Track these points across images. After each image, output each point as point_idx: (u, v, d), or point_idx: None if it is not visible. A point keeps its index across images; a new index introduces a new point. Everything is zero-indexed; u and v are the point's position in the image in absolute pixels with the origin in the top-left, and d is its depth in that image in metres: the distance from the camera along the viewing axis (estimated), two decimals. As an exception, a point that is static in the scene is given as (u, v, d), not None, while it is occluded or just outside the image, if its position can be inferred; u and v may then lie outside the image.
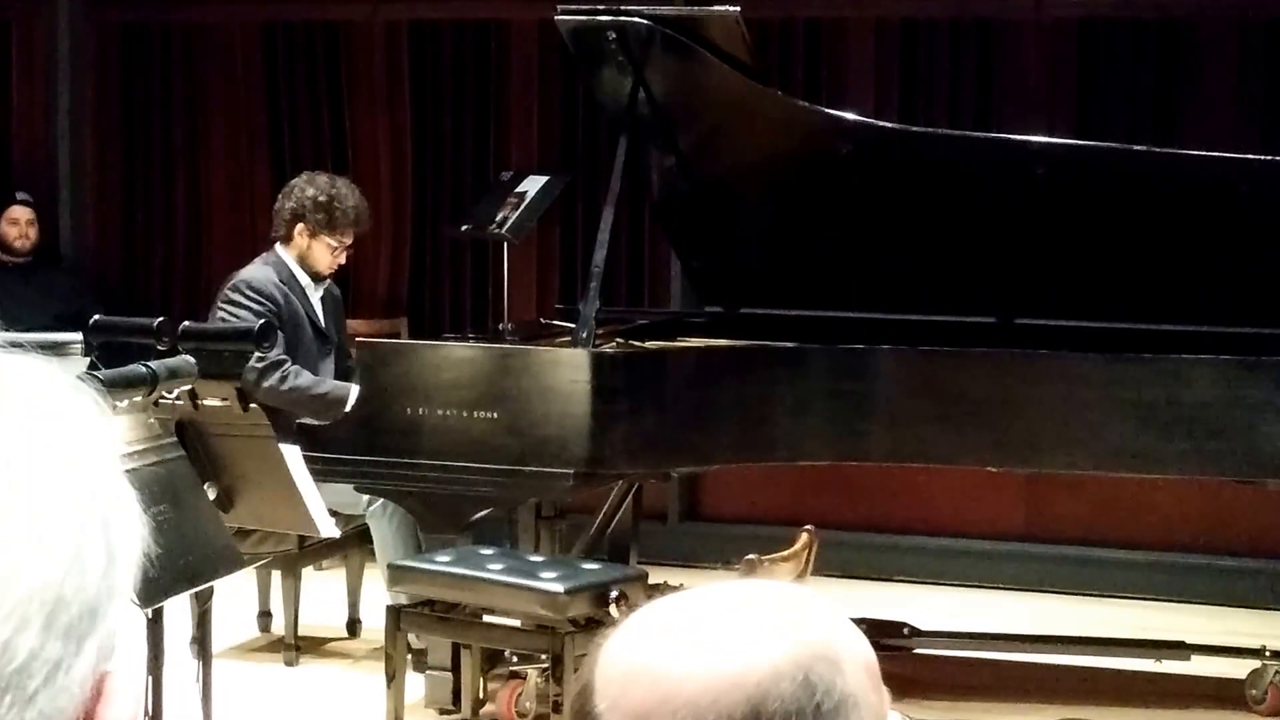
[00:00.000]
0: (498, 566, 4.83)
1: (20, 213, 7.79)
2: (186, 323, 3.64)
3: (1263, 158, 5.36)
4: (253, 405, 3.67)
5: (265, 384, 5.66)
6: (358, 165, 7.73)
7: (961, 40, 7.15)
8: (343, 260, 6.14)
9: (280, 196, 6.13)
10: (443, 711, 5.07)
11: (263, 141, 8.02)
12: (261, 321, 3.97)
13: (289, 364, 5.78)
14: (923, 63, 7.20)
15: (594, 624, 4.71)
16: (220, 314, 5.77)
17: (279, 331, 5.82)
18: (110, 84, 8.22)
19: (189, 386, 3.43)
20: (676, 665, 1.07)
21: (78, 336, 3.53)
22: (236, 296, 5.84)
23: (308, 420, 5.43)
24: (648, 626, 1.11)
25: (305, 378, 5.78)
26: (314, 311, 6.04)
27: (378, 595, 5.52)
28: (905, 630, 5.54)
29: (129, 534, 0.88)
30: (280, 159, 7.90)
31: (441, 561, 4.92)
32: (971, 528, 7.16)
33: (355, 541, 5.94)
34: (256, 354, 5.61)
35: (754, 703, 1.04)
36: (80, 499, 0.86)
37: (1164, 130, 6.82)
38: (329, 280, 6.12)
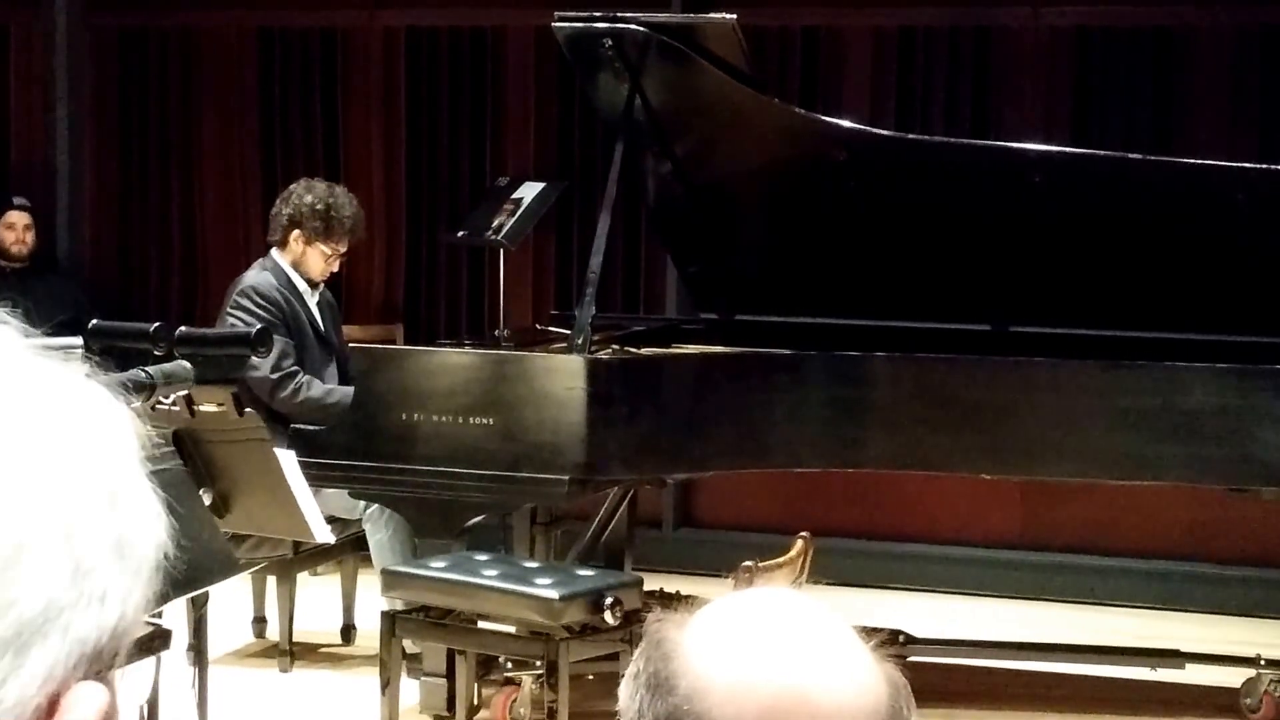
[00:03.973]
0: (493, 572, 4.83)
1: (17, 218, 7.79)
2: (183, 327, 3.64)
3: (1259, 166, 5.37)
4: (248, 410, 3.67)
5: (280, 395, 5.81)
6: (353, 171, 7.74)
7: (958, 48, 7.16)
8: (335, 268, 6.16)
9: (278, 201, 6.15)
10: (437, 718, 5.06)
11: (258, 147, 8.03)
12: (258, 326, 3.98)
13: (302, 375, 5.86)
14: (919, 70, 7.21)
15: (589, 630, 4.71)
16: (230, 320, 5.81)
17: (289, 339, 5.88)
18: (108, 89, 8.23)
19: (185, 392, 3.43)
20: (829, 696, 1.18)
21: (77, 341, 3.53)
22: (246, 303, 5.88)
23: (303, 426, 5.44)
24: (778, 649, 1.20)
25: (317, 388, 5.86)
26: (314, 317, 6.06)
27: (372, 601, 5.53)
28: (900, 637, 5.54)
29: (107, 543, 0.84)
30: (274, 164, 7.91)
31: (436, 567, 4.92)
32: (967, 535, 7.16)
33: (350, 547, 5.94)
34: (272, 366, 5.75)
35: None
36: (31, 506, 0.82)
37: (1161, 138, 6.83)
38: (322, 286, 6.15)
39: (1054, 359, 5.19)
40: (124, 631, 0.85)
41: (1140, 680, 5.61)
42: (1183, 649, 5.56)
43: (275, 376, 5.82)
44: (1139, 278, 5.42)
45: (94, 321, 3.75)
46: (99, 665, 0.83)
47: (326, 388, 5.86)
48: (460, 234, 7.14)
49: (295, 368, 5.88)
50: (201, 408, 3.54)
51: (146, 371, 3.26)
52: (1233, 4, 6.89)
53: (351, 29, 7.91)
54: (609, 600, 4.65)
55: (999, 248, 5.43)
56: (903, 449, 5.20)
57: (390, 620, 4.93)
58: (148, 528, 0.87)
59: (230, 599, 5.62)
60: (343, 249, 6.10)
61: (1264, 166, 5.34)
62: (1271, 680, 5.40)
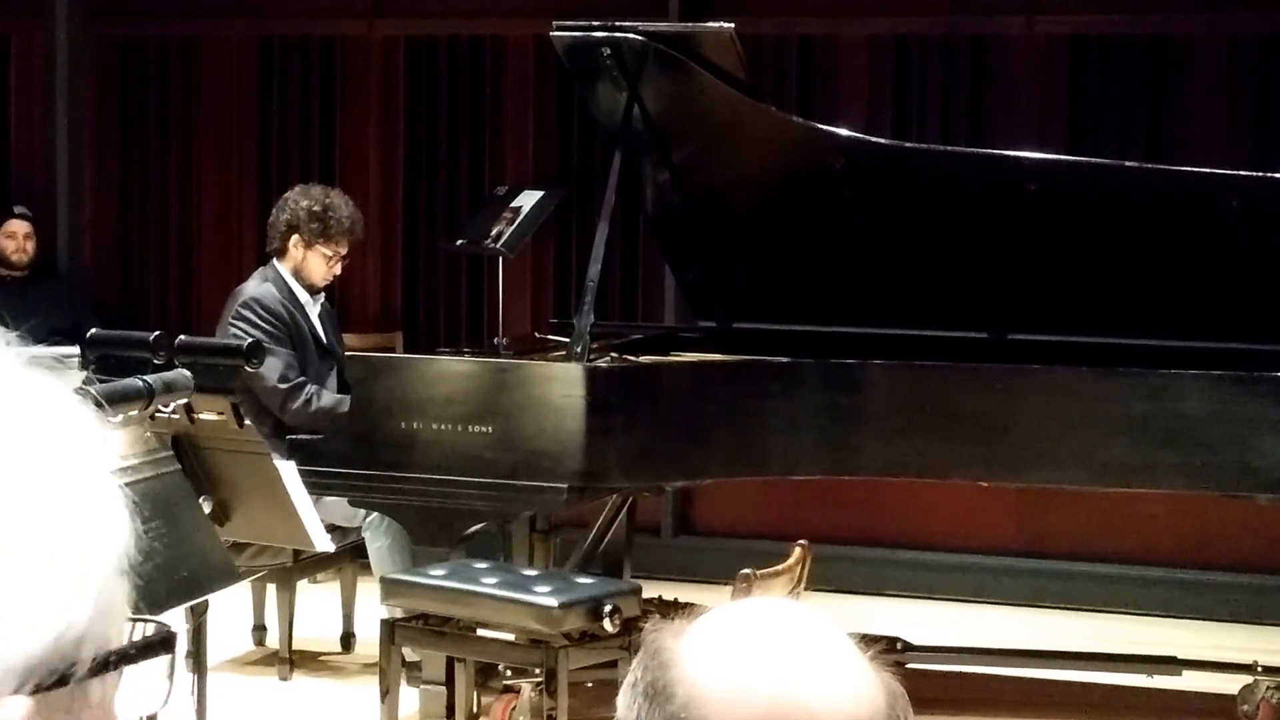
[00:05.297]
0: (492, 580, 4.84)
1: (18, 226, 7.81)
2: (182, 336, 3.66)
3: (1253, 174, 5.38)
4: (247, 423, 3.68)
5: (292, 406, 5.81)
6: (352, 179, 7.75)
7: (954, 56, 7.18)
8: (338, 271, 6.17)
9: (274, 210, 6.17)
10: (436, 725, 5.08)
11: (257, 156, 8.05)
12: (249, 340, 3.99)
13: (311, 385, 5.86)
14: (915, 78, 7.23)
15: (588, 638, 4.72)
16: (233, 331, 5.81)
17: (292, 350, 5.89)
18: (108, 98, 8.25)
19: (185, 400, 3.44)
20: (826, 704, 1.18)
21: (75, 350, 3.55)
22: (249, 315, 5.88)
23: (302, 435, 5.45)
24: (775, 658, 1.20)
25: (328, 397, 5.87)
26: (315, 327, 6.07)
27: (372, 609, 5.53)
28: (898, 645, 5.55)
29: (46, 556, 0.82)
30: (273, 173, 7.93)
31: (436, 575, 4.93)
32: (963, 542, 7.17)
33: (349, 555, 5.95)
34: (279, 377, 5.76)
35: None
36: None
37: (1155, 146, 6.85)
38: (322, 296, 6.16)
39: (1049, 366, 5.20)
40: (71, 643, 0.82)
41: (1137, 687, 5.62)
42: (1179, 655, 5.57)
43: (284, 388, 5.83)
44: (1134, 285, 5.44)
45: (92, 330, 3.77)
46: (35, 679, 0.81)
47: (337, 397, 5.86)
48: (459, 242, 7.16)
49: (303, 379, 5.90)
50: (201, 416, 3.55)
51: (146, 380, 3.28)
52: (1227, 12, 6.91)
53: (351, 39, 7.93)
54: (608, 608, 4.66)
55: (994, 255, 5.45)
56: (899, 456, 5.22)
57: (390, 628, 4.94)
58: (100, 536, 0.84)
59: (230, 607, 5.63)
60: (343, 250, 6.11)
61: (1258, 174, 5.36)
62: (1269, 687, 5.40)
